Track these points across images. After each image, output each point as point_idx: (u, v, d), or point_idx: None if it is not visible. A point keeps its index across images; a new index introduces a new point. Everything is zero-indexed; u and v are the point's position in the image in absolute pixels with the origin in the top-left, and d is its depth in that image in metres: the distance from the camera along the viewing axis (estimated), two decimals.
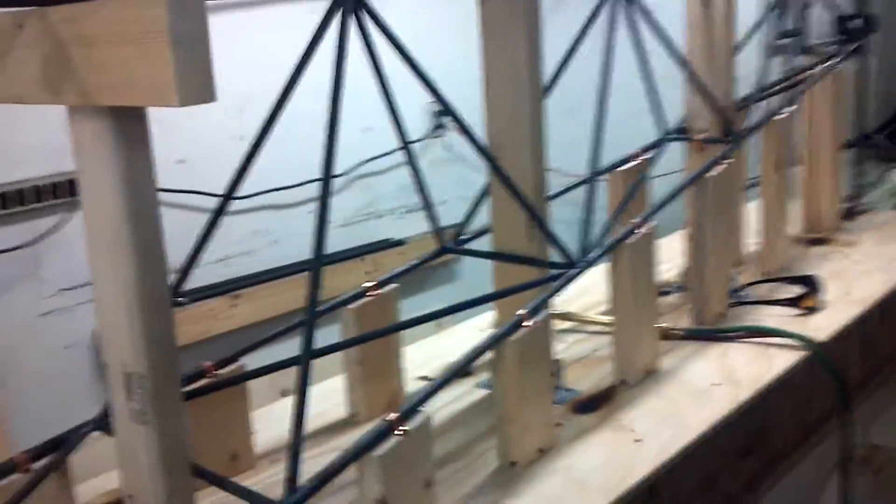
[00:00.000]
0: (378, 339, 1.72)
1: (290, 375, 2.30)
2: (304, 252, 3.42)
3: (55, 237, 2.65)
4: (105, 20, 1.04)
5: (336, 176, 3.32)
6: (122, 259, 1.18)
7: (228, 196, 1.47)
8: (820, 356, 2.01)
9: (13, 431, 2.39)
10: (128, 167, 1.15)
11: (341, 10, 1.42)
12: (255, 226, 3.19)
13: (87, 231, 1.24)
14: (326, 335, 2.07)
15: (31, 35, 1.14)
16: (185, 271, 1.49)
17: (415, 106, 3.45)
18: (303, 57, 1.43)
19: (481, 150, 1.70)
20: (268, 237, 3.23)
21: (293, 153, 3.05)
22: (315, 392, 1.91)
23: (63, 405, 2.59)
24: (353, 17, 1.44)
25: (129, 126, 1.14)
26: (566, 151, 3.14)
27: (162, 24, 0.96)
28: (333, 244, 3.65)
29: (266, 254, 3.22)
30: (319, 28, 1.43)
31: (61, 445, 1.39)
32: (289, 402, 2.00)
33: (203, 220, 2.86)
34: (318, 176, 3.44)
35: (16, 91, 1.20)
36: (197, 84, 0.99)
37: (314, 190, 3.26)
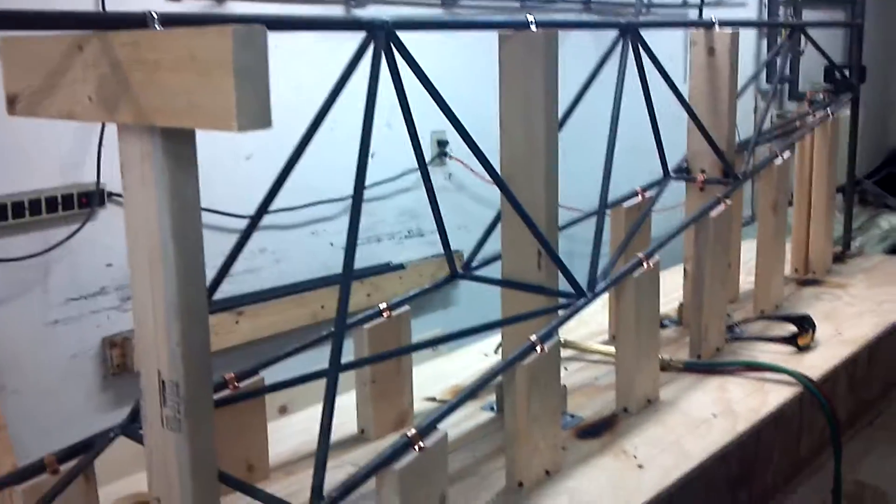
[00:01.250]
0: (392, 358, 1.77)
1: (287, 394, 2.36)
2: (305, 271, 3.51)
3: (64, 247, 2.70)
4: (169, 47, 1.10)
5: (341, 199, 3.39)
6: (166, 273, 1.23)
7: (260, 214, 1.53)
8: (815, 394, 2.08)
9: (21, 438, 2.43)
10: (176, 185, 1.20)
11: (373, 42, 1.49)
12: (259, 244, 3.25)
13: (129, 243, 1.29)
14: (327, 354, 2.13)
15: (90, 55, 1.21)
16: (214, 286, 1.55)
17: (418, 135, 3.53)
18: (337, 85, 1.50)
19: (497, 178, 1.76)
20: (271, 256, 3.29)
21: (296, 175, 3.12)
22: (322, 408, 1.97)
23: (69, 413, 2.63)
24: (387, 49, 1.51)
25: (180, 146, 1.20)
26: (565, 185, 3.22)
27: (227, 54, 1.02)
28: (336, 266, 3.73)
29: (269, 272, 3.28)
30: (354, 57, 1.50)
31: (88, 448, 1.43)
32: (292, 421, 2.06)
33: (210, 237, 2.94)
34: (319, 198, 3.53)
35: (70, 108, 1.26)
36: (256, 111, 1.05)
37: (317, 212, 3.35)
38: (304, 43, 3.04)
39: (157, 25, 1.18)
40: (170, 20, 1.19)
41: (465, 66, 3.37)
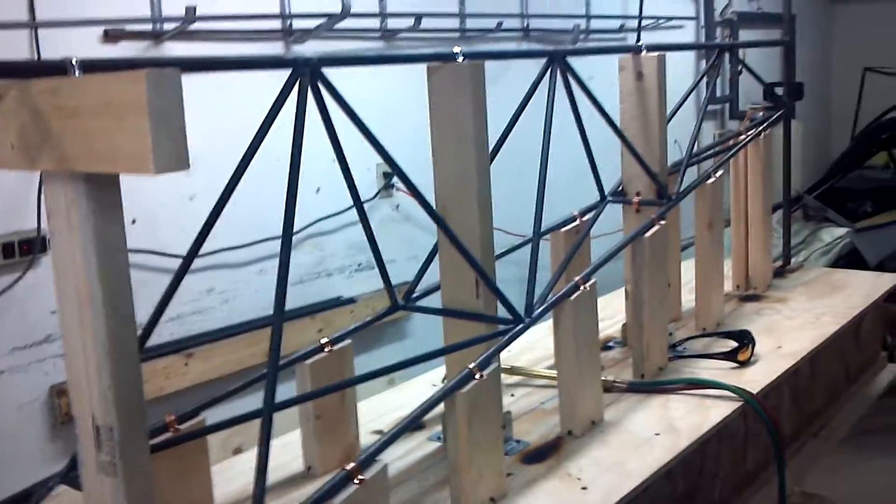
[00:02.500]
0: (333, 393, 1.78)
1: (242, 433, 2.34)
2: (255, 310, 3.49)
3: (7, 296, 2.67)
4: (87, 93, 1.11)
5: (279, 237, 3.38)
6: (94, 316, 1.24)
7: (192, 255, 1.54)
8: (755, 407, 2.12)
9: None
10: (101, 230, 1.21)
11: (299, 80, 1.51)
12: (207, 285, 3.24)
13: (58, 288, 1.30)
14: (281, 392, 2.12)
15: (10, 105, 1.21)
16: (148, 331, 1.54)
17: (363, 167, 3.55)
18: (264, 122, 1.51)
19: (429, 210, 1.79)
20: (220, 296, 3.27)
21: (243, 213, 3.12)
22: (272, 446, 1.97)
23: (17, 464, 2.59)
24: (310, 86, 1.53)
25: (104, 191, 1.21)
26: (511, 212, 3.26)
27: (142, 98, 1.04)
28: (286, 302, 3.69)
29: (218, 312, 3.27)
30: (280, 95, 1.51)
31: (28, 499, 1.42)
32: (242, 459, 2.06)
33: (155, 279, 2.94)
34: (267, 235, 3.52)
35: None
36: (172, 153, 1.07)
37: (264, 249, 3.35)
38: (252, 79, 3.06)
39: (77, 72, 1.20)
40: (90, 66, 1.20)
41: (409, 96, 3.40)
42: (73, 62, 1.19)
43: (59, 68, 1.19)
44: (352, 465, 1.41)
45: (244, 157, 1.52)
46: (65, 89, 1.15)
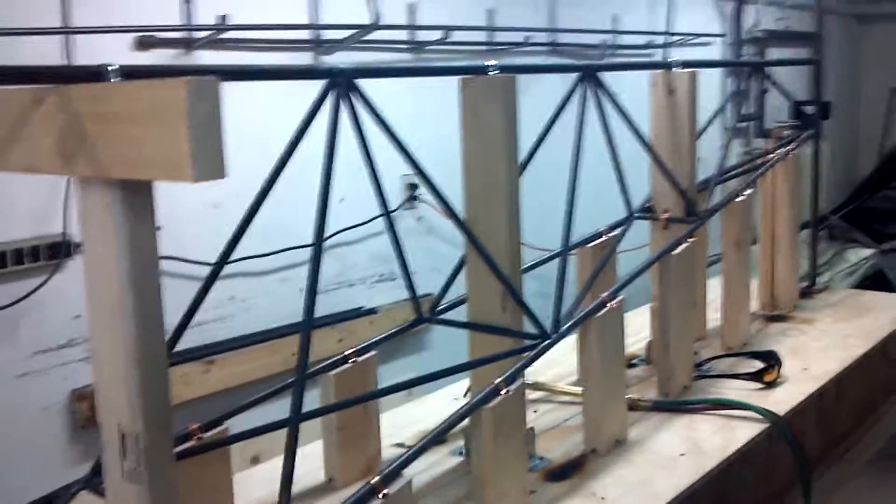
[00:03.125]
0: (358, 405, 1.77)
1: (259, 442, 2.34)
2: (275, 318, 3.49)
3: (31, 300, 2.68)
4: (125, 99, 1.11)
5: (310, 245, 3.38)
6: (124, 323, 1.23)
7: (222, 262, 1.53)
8: (781, 429, 2.09)
9: None
10: (134, 236, 1.21)
11: (334, 90, 1.51)
12: (229, 292, 3.24)
13: (88, 294, 1.29)
14: (304, 400, 2.12)
15: (49, 109, 1.21)
16: (176, 336, 1.54)
17: (388, 178, 3.55)
18: (298, 132, 1.51)
19: (459, 222, 1.78)
20: (241, 304, 3.27)
21: (265, 221, 3.11)
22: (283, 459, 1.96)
23: (38, 467, 2.59)
24: (345, 96, 1.53)
25: (138, 197, 1.21)
26: (533, 225, 3.24)
27: (182, 106, 1.03)
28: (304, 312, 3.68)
29: (239, 320, 3.27)
30: (314, 105, 1.51)
31: None
32: (262, 469, 2.05)
33: (180, 285, 2.93)
34: (289, 244, 3.52)
35: (30, 161, 1.27)
36: (211, 161, 1.06)
37: (286, 258, 3.34)
38: (279, 89, 3.07)
39: (114, 78, 1.20)
40: (128, 73, 1.20)
41: (438, 108, 3.39)
42: (112, 68, 1.19)
43: (98, 74, 1.20)
44: (376, 479, 1.40)
45: (276, 166, 1.52)
46: (103, 95, 1.15)
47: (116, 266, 1.22)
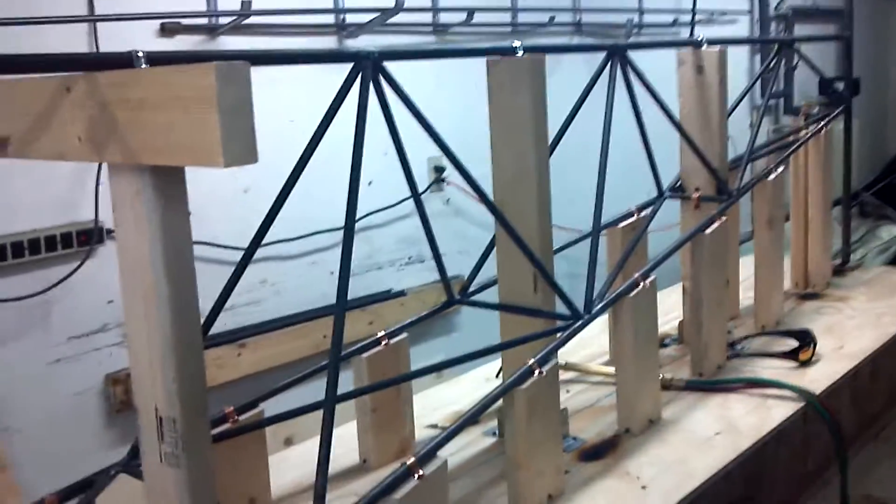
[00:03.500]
0: (391, 387, 1.77)
1: (292, 425, 2.35)
2: (306, 302, 3.50)
3: (64, 286, 2.70)
4: (154, 85, 1.11)
5: (339, 228, 3.38)
6: (158, 309, 1.24)
7: (254, 247, 1.54)
8: (817, 408, 2.07)
9: (26, 478, 2.42)
10: (168, 222, 1.22)
11: (361, 73, 1.50)
12: (260, 276, 3.25)
13: (122, 281, 1.30)
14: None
15: (78, 97, 1.22)
16: (210, 320, 1.55)
17: (414, 161, 3.54)
18: (326, 115, 1.50)
19: (489, 204, 1.77)
20: (272, 287, 3.29)
21: (295, 205, 3.12)
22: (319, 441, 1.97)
23: (73, 452, 2.62)
24: (372, 79, 1.52)
25: (169, 184, 1.21)
26: (561, 206, 3.22)
27: (211, 91, 1.03)
28: (336, 296, 3.69)
29: (270, 304, 3.28)
30: (342, 89, 1.51)
31: (89, 487, 1.43)
32: (296, 452, 2.06)
33: (209, 270, 2.94)
34: (318, 227, 3.53)
35: (60, 149, 1.27)
36: (241, 146, 1.06)
37: (316, 242, 3.35)
38: (301, 75, 3.06)
39: (143, 64, 1.20)
40: (155, 59, 1.20)
41: (463, 90, 3.38)
42: (140, 54, 1.19)
43: (126, 61, 1.20)
44: (412, 459, 1.40)
45: (305, 150, 1.52)
46: (131, 82, 1.15)
47: (150, 252, 1.23)
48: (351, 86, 1.51)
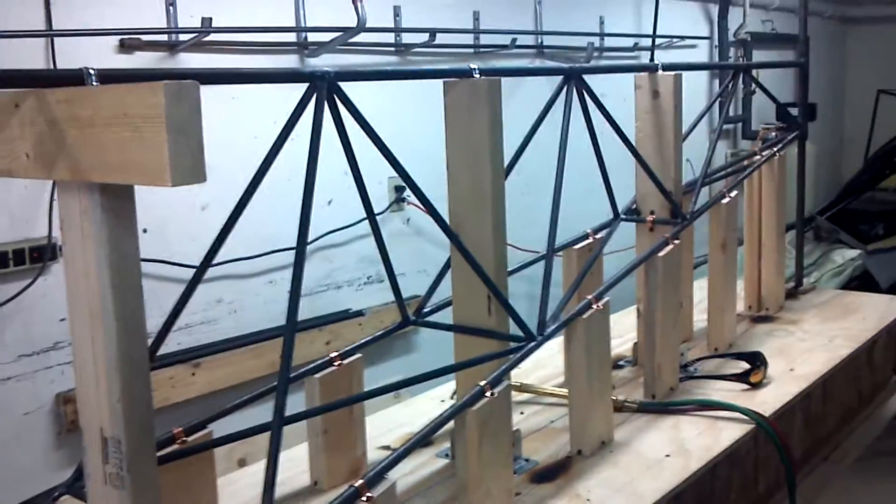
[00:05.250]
0: (342, 408, 1.76)
1: (248, 445, 2.33)
2: (263, 321, 3.48)
3: (16, 303, 2.67)
4: (104, 103, 1.11)
5: (294, 248, 3.37)
6: (105, 327, 1.23)
7: (206, 265, 1.53)
8: (767, 430, 2.10)
9: None
10: (115, 241, 1.21)
11: (315, 94, 1.51)
12: (216, 295, 3.23)
13: (70, 299, 1.29)
14: (288, 405, 2.11)
15: (27, 113, 1.21)
16: (159, 341, 1.54)
17: (375, 180, 3.55)
18: (280, 135, 1.50)
19: (444, 226, 1.78)
20: (228, 306, 3.26)
21: (253, 224, 3.11)
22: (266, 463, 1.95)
23: (22, 472, 2.58)
24: (327, 99, 1.52)
25: (118, 202, 1.20)
26: (521, 227, 3.24)
27: (160, 110, 1.03)
28: (287, 315, 3.65)
29: (226, 323, 3.26)
30: (296, 109, 1.51)
31: None
32: (248, 472, 2.04)
33: (166, 288, 2.93)
34: (277, 246, 3.52)
35: (8, 165, 1.26)
36: (189, 165, 1.06)
37: (274, 260, 3.34)
38: (264, 92, 3.06)
39: (94, 82, 1.19)
40: (107, 77, 1.20)
41: (430, 108, 3.39)
42: (91, 72, 1.19)
43: (77, 78, 1.19)
44: (360, 481, 1.39)
45: (259, 169, 1.51)
46: (81, 99, 1.15)
47: (97, 271, 1.22)
48: (305, 106, 1.51)
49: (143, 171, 1.08)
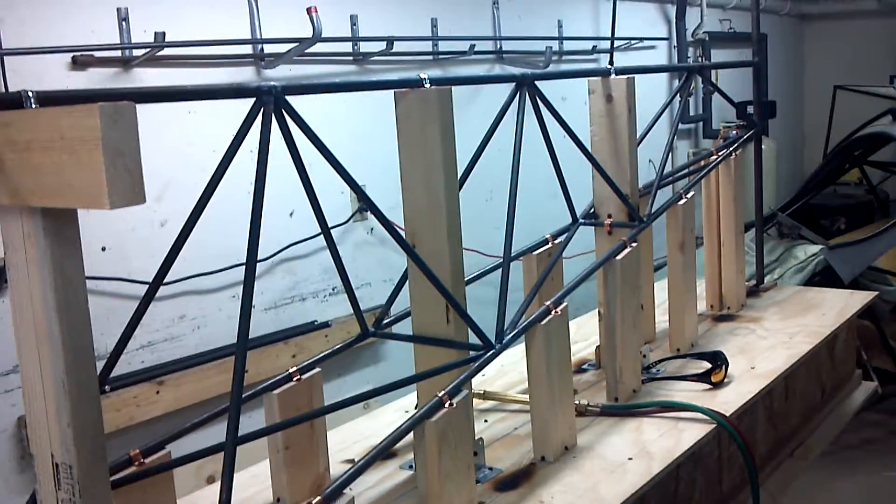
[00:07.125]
0: (302, 423, 1.75)
1: (217, 462, 2.31)
2: (228, 336, 3.46)
3: None
4: (41, 127, 1.10)
5: (261, 260, 3.37)
6: (52, 352, 1.21)
7: (157, 283, 1.51)
8: (727, 429, 2.11)
9: None
10: (59, 265, 1.19)
11: (262, 108, 1.50)
12: (179, 311, 3.21)
13: (16, 324, 1.27)
14: (254, 419, 2.10)
15: None
16: (112, 361, 1.52)
17: (337, 190, 3.54)
18: (229, 149, 1.49)
19: (397, 237, 1.77)
20: (191, 322, 3.24)
21: (215, 238, 3.09)
22: (240, 478, 1.94)
23: None
24: (274, 114, 1.51)
25: (61, 225, 1.19)
26: (486, 233, 3.24)
27: (95, 132, 1.02)
28: (259, 328, 3.67)
29: (190, 339, 3.23)
30: (244, 124, 1.50)
31: None
32: (211, 491, 2.02)
33: (126, 306, 2.90)
34: (239, 260, 3.49)
35: None
36: (127, 187, 1.05)
37: (237, 275, 3.32)
38: (220, 105, 3.05)
39: (33, 104, 1.18)
40: (46, 99, 1.18)
41: (383, 117, 3.39)
42: (30, 94, 1.17)
43: (16, 101, 1.18)
44: (318, 498, 1.39)
45: (209, 183, 1.50)
46: (18, 123, 1.14)
47: (42, 295, 1.21)
48: (253, 121, 1.50)
49: (81, 195, 1.07)
